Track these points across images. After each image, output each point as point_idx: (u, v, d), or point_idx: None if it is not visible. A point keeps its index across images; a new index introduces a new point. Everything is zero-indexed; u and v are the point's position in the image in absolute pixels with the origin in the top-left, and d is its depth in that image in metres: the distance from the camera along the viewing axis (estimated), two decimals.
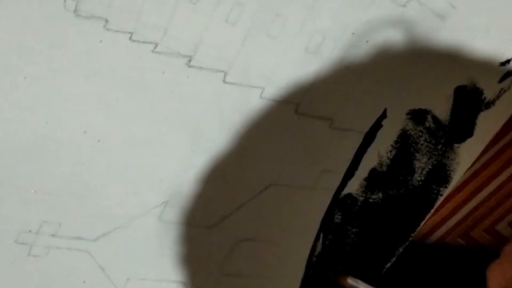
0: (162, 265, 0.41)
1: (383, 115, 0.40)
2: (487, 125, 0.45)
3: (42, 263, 0.38)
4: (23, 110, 0.32)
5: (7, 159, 0.33)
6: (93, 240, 0.38)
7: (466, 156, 0.45)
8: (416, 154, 0.43)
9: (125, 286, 0.41)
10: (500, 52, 0.41)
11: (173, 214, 0.39)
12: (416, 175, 0.44)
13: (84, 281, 0.39)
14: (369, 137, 0.41)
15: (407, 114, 0.41)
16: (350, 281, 0.41)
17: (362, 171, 0.42)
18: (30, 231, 0.36)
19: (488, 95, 0.43)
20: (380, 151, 0.42)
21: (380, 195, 0.44)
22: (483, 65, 0.41)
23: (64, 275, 0.39)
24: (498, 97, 0.43)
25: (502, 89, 0.43)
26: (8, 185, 0.34)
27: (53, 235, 0.37)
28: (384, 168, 0.43)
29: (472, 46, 0.40)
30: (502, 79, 0.43)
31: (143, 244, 0.40)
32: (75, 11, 0.30)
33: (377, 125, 0.41)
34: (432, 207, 0.47)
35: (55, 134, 0.33)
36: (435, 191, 0.46)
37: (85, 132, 0.34)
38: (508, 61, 0.42)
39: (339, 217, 0.44)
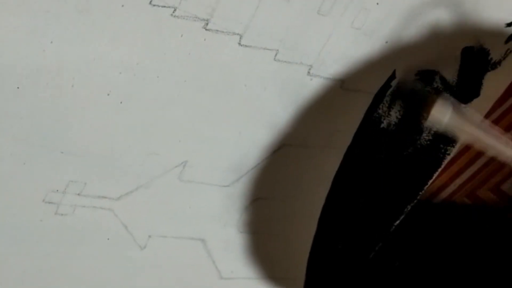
0: (181, 222, 0.43)
1: (392, 76, 0.41)
2: (493, 86, 0.45)
3: (68, 221, 0.39)
4: (49, 73, 0.33)
5: (36, 121, 0.35)
6: (116, 199, 0.40)
7: None
8: (424, 114, 0.44)
9: (147, 242, 0.42)
10: (507, 13, 0.42)
11: (192, 174, 0.41)
12: (424, 135, 0.45)
13: (108, 238, 0.41)
14: (379, 98, 0.42)
15: (416, 75, 0.42)
16: (440, 101, 0.36)
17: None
18: (57, 190, 0.38)
19: (495, 55, 0.44)
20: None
21: (389, 154, 0.45)
22: (490, 26, 0.42)
23: (89, 232, 0.40)
24: (504, 57, 0.44)
25: (508, 49, 0.44)
26: (37, 147, 0.36)
27: (78, 194, 0.39)
28: (393, 128, 0.44)
29: (478, 7, 0.41)
30: (508, 40, 0.43)
31: (163, 203, 0.41)
32: None
33: (386, 86, 0.42)
34: (440, 166, 0.48)
35: (80, 96, 0.35)
36: (443, 150, 0.47)
37: (108, 94, 0.35)
38: None
39: (349, 176, 0.45)
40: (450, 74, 0.43)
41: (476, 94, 0.45)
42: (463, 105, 0.38)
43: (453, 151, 0.47)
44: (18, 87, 0.33)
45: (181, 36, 0.35)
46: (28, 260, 0.40)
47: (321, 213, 0.46)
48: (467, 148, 0.54)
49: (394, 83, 0.42)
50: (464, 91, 0.45)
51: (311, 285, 0.48)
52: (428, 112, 0.38)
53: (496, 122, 0.53)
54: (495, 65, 0.44)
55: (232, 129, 0.40)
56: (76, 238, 0.40)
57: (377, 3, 0.37)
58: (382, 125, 0.43)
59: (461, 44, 0.42)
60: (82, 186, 0.38)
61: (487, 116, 0.48)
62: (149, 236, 0.42)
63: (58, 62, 0.33)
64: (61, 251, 0.40)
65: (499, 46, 0.44)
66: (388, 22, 0.39)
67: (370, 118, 0.43)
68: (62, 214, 0.39)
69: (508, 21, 0.42)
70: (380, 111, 0.43)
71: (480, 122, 0.37)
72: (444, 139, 0.46)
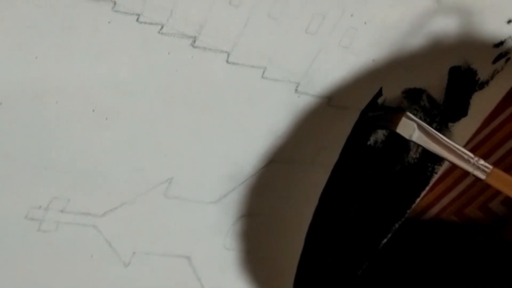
0: (167, 239, 0.42)
1: (379, 93, 0.42)
2: (481, 105, 0.46)
3: (51, 238, 0.39)
4: (33, 89, 0.33)
5: (19, 137, 0.34)
6: (100, 216, 0.39)
7: (460, 135, 0.47)
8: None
9: (131, 260, 0.42)
10: (494, 33, 0.42)
11: (178, 190, 0.40)
12: (411, 153, 0.45)
13: (91, 255, 0.41)
14: (365, 115, 0.42)
15: (403, 92, 0.42)
16: (406, 118, 0.38)
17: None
18: (40, 207, 0.37)
19: (482, 75, 0.44)
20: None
21: (376, 171, 0.45)
22: (477, 46, 0.42)
23: (72, 249, 0.40)
24: (491, 77, 0.45)
25: (495, 70, 0.44)
26: (20, 163, 0.35)
27: (62, 211, 0.38)
28: (380, 145, 0.44)
29: (466, 27, 0.41)
30: (495, 60, 0.44)
31: (148, 220, 0.41)
32: None
33: (373, 103, 0.42)
34: (427, 184, 0.48)
35: (65, 113, 0.34)
36: (430, 169, 0.47)
37: (93, 111, 0.35)
38: (501, 43, 0.43)
39: (337, 193, 0.45)
40: (438, 93, 0.44)
41: (464, 113, 0.45)
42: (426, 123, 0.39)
43: (441, 169, 0.48)
44: (1, 103, 0.33)
45: (168, 53, 0.34)
46: (10, 277, 0.39)
47: (308, 230, 0.46)
48: (455, 166, 0.54)
49: (380, 100, 0.42)
50: (452, 110, 0.45)
51: None
52: (396, 126, 0.39)
53: (483, 141, 0.54)
54: (482, 85, 0.45)
55: (219, 146, 0.40)
56: (59, 255, 0.40)
57: (365, 22, 0.38)
58: (369, 142, 0.44)
59: (448, 63, 0.43)
60: (65, 203, 0.38)
61: (474, 135, 0.49)
62: (134, 253, 0.42)
63: (42, 78, 0.33)
64: (44, 268, 0.40)
65: (487, 66, 0.44)
66: (375, 41, 0.39)
67: (357, 135, 0.43)
68: (44, 231, 0.38)
69: (496, 42, 0.43)
70: (366, 128, 0.43)
71: (442, 138, 0.39)
72: (432, 158, 0.47)
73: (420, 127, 0.38)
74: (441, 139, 0.39)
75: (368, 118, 0.41)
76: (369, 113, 0.41)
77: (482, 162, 0.39)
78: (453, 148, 0.39)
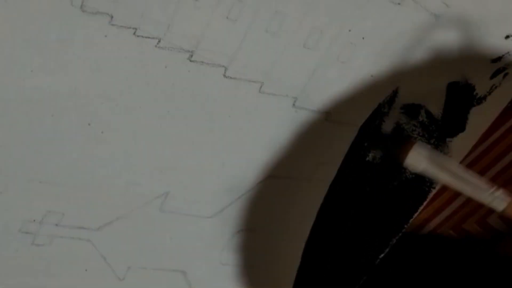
0: (162, 254, 0.42)
1: (377, 109, 0.41)
2: (478, 120, 0.46)
3: (45, 251, 0.39)
4: (29, 102, 0.33)
5: (14, 150, 0.34)
6: (96, 230, 0.39)
7: (458, 150, 0.46)
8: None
9: (126, 274, 0.42)
10: (492, 49, 0.42)
11: (174, 205, 0.40)
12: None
13: (86, 270, 0.40)
14: (364, 130, 0.42)
15: (401, 108, 0.42)
16: (417, 147, 0.36)
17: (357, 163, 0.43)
18: (34, 220, 0.37)
19: (480, 91, 0.44)
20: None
21: (374, 187, 0.45)
22: (475, 62, 0.42)
23: (67, 263, 0.40)
24: (489, 93, 0.44)
25: (493, 85, 0.44)
26: (15, 176, 0.35)
27: (56, 225, 0.38)
28: (378, 161, 0.44)
29: (464, 43, 0.41)
30: (493, 76, 0.44)
31: (144, 234, 0.41)
32: (81, 7, 0.31)
33: (371, 119, 0.42)
34: (425, 199, 0.48)
35: (61, 126, 0.34)
36: (428, 184, 0.47)
37: (89, 124, 0.35)
38: (499, 58, 0.43)
39: (335, 208, 0.45)
40: (436, 108, 0.44)
41: (462, 128, 0.45)
42: (439, 151, 0.38)
43: (439, 184, 0.47)
44: None
45: (165, 67, 0.34)
46: None
47: (305, 246, 0.46)
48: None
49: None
50: (450, 125, 0.45)
51: None
52: (404, 158, 0.38)
53: (481, 156, 0.53)
54: (480, 100, 0.44)
55: (216, 160, 0.39)
56: (53, 269, 0.40)
57: (363, 38, 0.38)
58: (367, 158, 0.44)
59: (446, 78, 0.43)
60: (60, 216, 0.38)
61: (472, 150, 0.48)
62: (128, 268, 0.41)
63: (38, 91, 0.33)
64: (37, 282, 0.40)
65: (485, 81, 0.44)
66: (373, 56, 0.39)
67: (356, 151, 0.43)
68: (38, 245, 0.38)
69: (493, 57, 0.43)
70: (365, 144, 0.43)
71: (456, 169, 0.37)
72: None
73: (431, 159, 0.36)
74: (455, 170, 0.37)
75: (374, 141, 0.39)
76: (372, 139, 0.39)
77: (499, 193, 0.37)
78: (469, 179, 0.37)
